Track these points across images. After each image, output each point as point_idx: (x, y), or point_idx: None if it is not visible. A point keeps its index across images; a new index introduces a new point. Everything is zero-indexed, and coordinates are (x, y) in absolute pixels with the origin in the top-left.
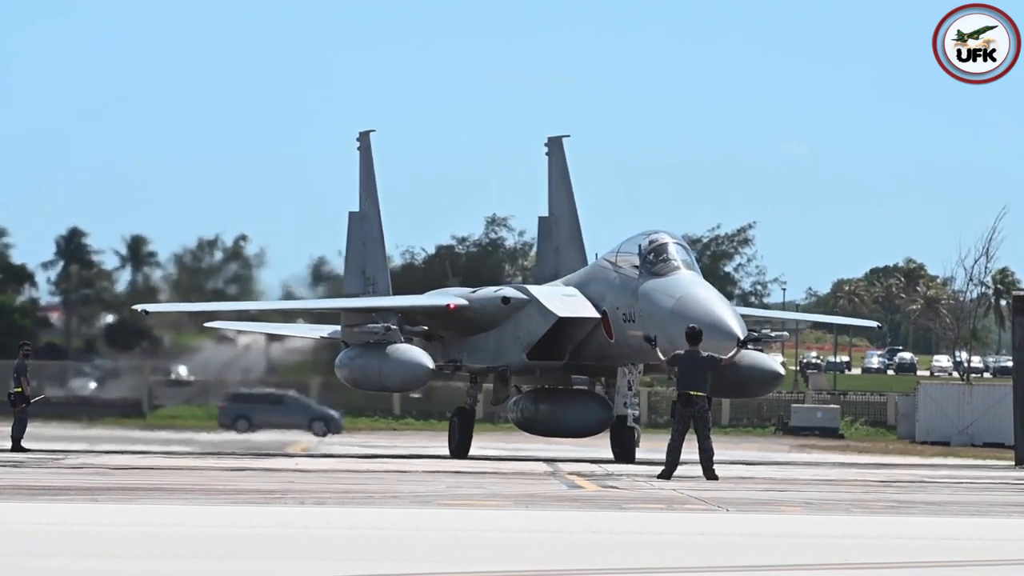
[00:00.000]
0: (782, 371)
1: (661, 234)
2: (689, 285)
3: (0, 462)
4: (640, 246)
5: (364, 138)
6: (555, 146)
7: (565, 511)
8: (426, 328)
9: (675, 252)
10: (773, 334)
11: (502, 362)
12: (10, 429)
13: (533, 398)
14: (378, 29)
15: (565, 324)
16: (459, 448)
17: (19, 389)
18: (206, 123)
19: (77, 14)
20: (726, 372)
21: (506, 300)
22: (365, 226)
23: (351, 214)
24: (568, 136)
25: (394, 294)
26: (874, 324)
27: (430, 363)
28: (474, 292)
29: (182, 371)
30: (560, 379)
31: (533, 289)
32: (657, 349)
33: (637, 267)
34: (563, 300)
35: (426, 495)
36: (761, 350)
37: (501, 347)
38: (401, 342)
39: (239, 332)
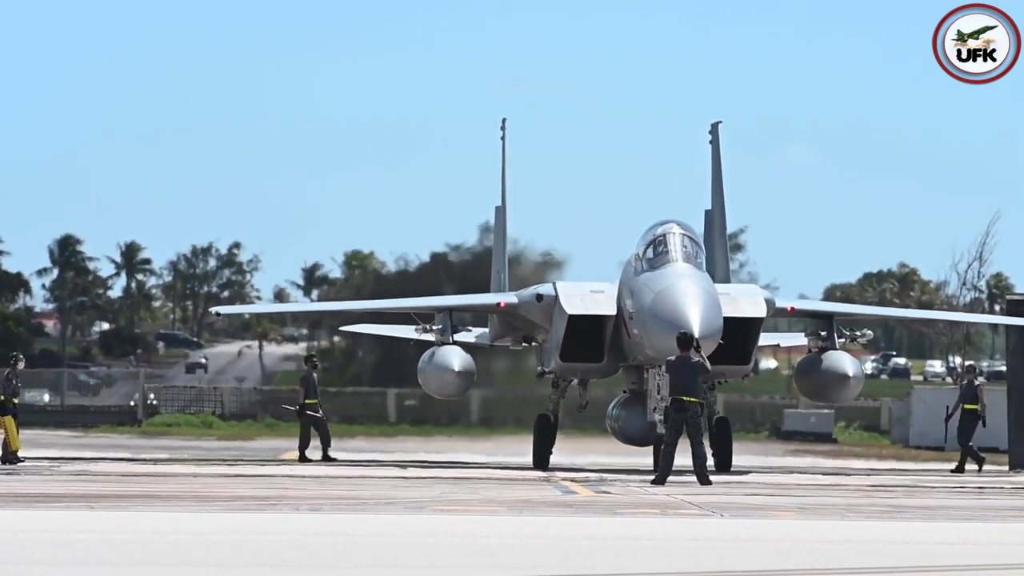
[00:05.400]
0: (851, 372)
1: (668, 224)
2: (673, 278)
3: None
4: (650, 237)
5: (503, 125)
6: (715, 133)
7: (559, 516)
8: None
9: (675, 243)
10: (858, 333)
11: (550, 364)
12: (301, 440)
13: (617, 403)
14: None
15: (588, 323)
16: (537, 458)
17: (314, 400)
18: (200, 130)
19: (74, 18)
20: (809, 374)
21: (539, 297)
22: (499, 221)
23: (496, 209)
24: (721, 122)
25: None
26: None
27: (460, 367)
28: (525, 291)
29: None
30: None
31: (560, 286)
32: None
33: (641, 259)
34: (583, 298)
35: (421, 501)
36: (846, 346)
37: (549, 349)
38: (451, 344)
39: (374, 335)
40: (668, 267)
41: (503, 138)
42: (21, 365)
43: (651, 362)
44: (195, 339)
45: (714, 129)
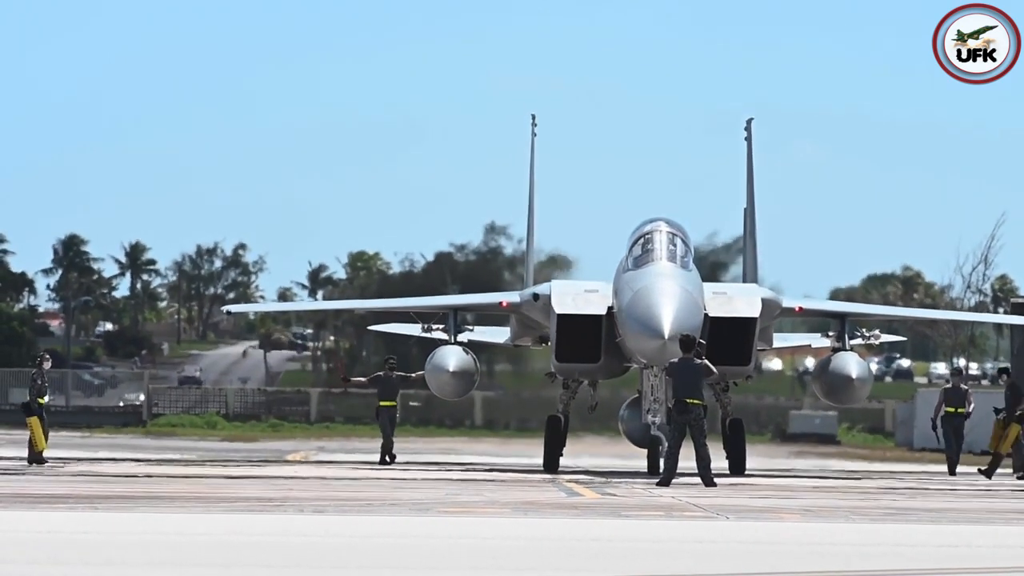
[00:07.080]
0: (854, 374)
1: (656, 223)
2: (653, 277)
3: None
4: (637, 235)
5: (534, 121)
6: (749, 130)
7: (564, 518)
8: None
9: (660, 242)
10: (868, 334)
11: (552, 366)
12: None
13: (626, 405)
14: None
15: (581, 323)
16: (546, 459)
17: (391, 402)
18: (205, 130)
19: (79, 19)
20: (820, 376)
21: (536, 296)
22: (530, 219)
23: (528, 207)
24: (754, 118)
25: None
26: None
27: (455, 368)
28: (525, 290)
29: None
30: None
31: (555, 285)
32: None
33: (628, 258)
34: (575, 297)
35: (425, 502)
36: (855, 347)
37: (552, 349)
38: (451, 343)
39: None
40: (650, 266)
41: (534, 135)
42: (48, 365)
43: (639, 363)
44: (299, 341)
45: (748, 126)
